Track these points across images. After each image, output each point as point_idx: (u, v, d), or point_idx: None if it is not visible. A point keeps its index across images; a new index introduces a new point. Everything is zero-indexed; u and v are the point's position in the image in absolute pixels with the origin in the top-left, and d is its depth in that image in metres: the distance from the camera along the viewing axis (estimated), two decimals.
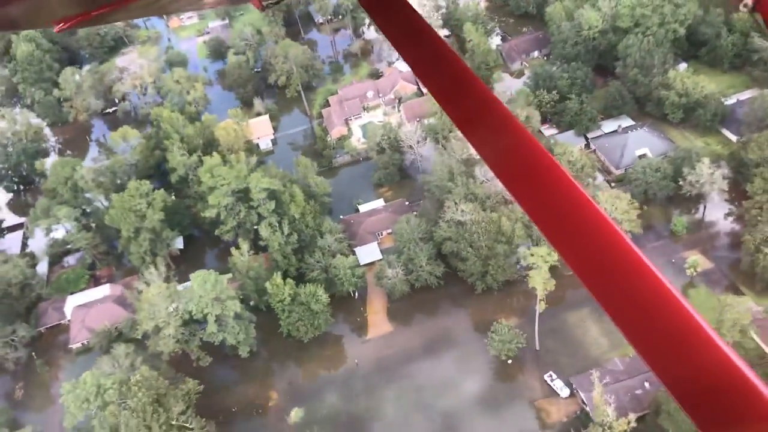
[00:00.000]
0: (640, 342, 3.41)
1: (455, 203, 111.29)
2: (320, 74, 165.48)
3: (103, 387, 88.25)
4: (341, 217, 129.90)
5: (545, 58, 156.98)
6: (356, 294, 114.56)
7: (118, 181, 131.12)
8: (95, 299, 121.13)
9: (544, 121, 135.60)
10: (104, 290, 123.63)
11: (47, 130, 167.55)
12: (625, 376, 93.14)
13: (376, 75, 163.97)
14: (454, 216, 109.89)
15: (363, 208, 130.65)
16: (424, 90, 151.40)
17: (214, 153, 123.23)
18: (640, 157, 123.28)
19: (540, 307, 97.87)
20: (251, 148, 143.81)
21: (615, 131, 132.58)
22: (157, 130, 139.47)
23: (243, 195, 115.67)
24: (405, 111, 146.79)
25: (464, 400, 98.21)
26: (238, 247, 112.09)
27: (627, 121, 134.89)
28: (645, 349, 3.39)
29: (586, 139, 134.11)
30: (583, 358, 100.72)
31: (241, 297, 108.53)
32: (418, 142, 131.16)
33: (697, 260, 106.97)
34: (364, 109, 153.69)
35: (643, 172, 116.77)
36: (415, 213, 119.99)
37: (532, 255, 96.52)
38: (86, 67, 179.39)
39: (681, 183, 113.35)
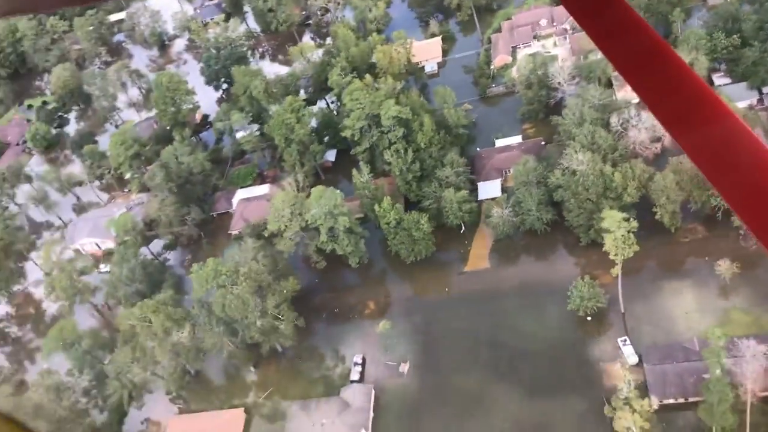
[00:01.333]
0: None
1: (575, 151, 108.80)
2: None
3: (219, 272, 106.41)
4: (478, 149, 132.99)
5: None
6: (463, 228, 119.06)
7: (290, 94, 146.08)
8: (257, 195, 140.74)
9: (714, 70, 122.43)
10: (265, 189, 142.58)
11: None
12: (697, 357, 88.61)
13: (558, 1, 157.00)
14: (570, 164, 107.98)
15: (500, 142, 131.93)
16: None
17: (366, 75, 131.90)
18: None
19: (614, 271, 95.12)
20: (413, 71, 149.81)
21: None
22: (332, 47, 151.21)
23: (378, 119, 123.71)
24: (572, 44, 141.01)
25: (532, 345, 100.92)
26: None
27: None
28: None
29: (760, 93, 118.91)
30: (666, 330, 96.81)
31: (362, 215, 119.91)
32: (566, 80, 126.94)
33: None
34: (535, 38, 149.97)
35: None
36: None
37: (603, 219, 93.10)
38: None
39: None
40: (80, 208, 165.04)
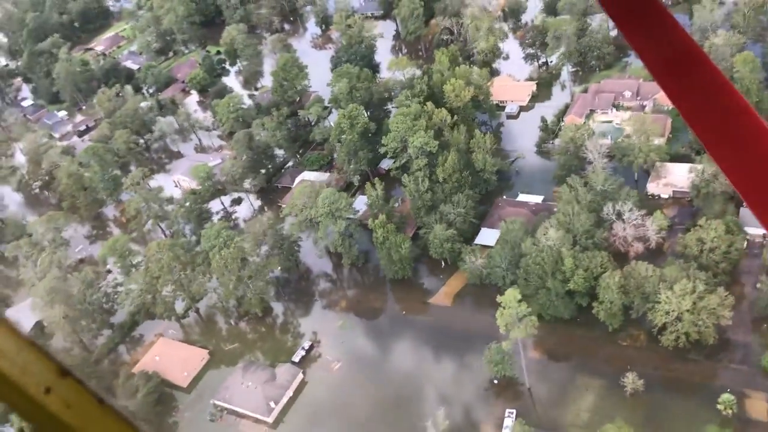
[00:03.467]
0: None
1: (550, 226, 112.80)
2: (605, 56, 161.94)
3: (220, 234, 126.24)
4: (504, 197, 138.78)
5: None
6: (443, 264, 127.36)
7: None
8: (315, 179, 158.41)
9: None
10: (325, 176, 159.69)
11: None
12: None
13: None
14: (542, 237, 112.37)
15: (522, 197, 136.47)
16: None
17: (428, 103, 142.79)
18: None
19: (506, 345, 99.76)
20: (488, 108, 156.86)
21: None
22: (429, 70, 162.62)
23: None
24: (635, 122, 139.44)
25: (440, 385, 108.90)
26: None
27: None
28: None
29: None
30: (552, 418, 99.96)
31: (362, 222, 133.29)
32: (599, 156, 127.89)
33: None
34: (614, 107, 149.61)
35: None
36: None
37: (501, 294, 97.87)
38: None
39: None
40: (200, 149, 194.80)
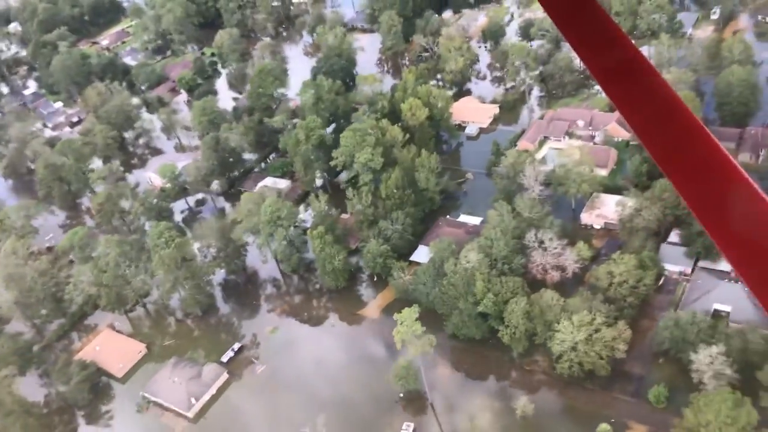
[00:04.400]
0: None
1: (471, 249, 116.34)
2: (566, 84, 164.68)
3: (164, 235, 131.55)
4: (447, 217, 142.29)
5: None
6: (375, 278, 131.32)
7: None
8: (274, 185, 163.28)
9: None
10: (285, 183, 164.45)
11: None
12: None
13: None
14: (460, 259, 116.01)
15: (463, 218, 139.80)
16: (629, 137, 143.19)
17: (383, 120, 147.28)
18: None
19: (405, 362, 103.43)
20: (448, 128, 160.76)
21: None
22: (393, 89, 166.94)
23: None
24: (583, 152, 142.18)
25: (348, 392, 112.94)
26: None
27: None
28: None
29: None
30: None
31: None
32: (535, 183, 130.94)
33: None
34: (567, 135, 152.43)
35: None
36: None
37: (399, 312, 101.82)
38: None
39: None
40: (180, 148, 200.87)
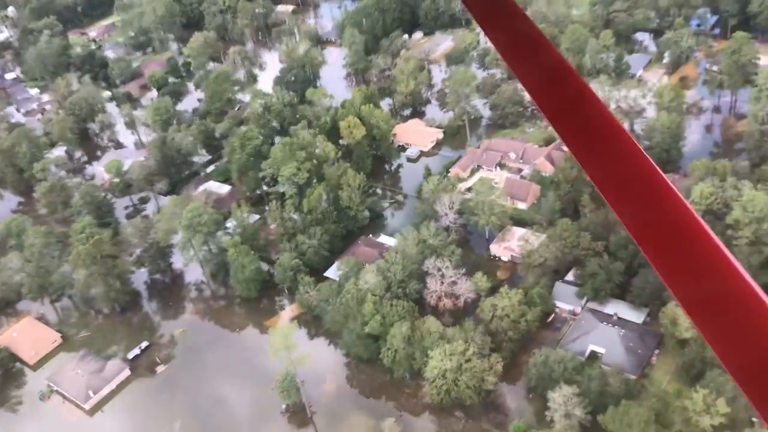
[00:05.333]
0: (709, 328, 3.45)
1: (370, 271, 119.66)
2: (508, 115, 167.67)
3: (86, 231, 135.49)
4: (369, 236, 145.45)
5: None
6: (287, 290, 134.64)
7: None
8: (215, 190, 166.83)
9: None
10: (226, 188, 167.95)
11: None
12: None
13: (549, 140, 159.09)
14: (360, 279, 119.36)
15: (382, 239, 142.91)
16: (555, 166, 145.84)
17: (301, 133, 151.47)
18: None
19: (280, 375, 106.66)
20: (386, 149, 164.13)
21: None
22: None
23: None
24: (506, 185, 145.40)
25: (230, 397, 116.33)
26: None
27: None
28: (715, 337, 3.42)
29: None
30: None
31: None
32: (449, 211, 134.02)
33: None
34: (499, 166, 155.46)
35: None
36: None
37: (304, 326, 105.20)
38: None
39: None
40: (140, 144, 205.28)
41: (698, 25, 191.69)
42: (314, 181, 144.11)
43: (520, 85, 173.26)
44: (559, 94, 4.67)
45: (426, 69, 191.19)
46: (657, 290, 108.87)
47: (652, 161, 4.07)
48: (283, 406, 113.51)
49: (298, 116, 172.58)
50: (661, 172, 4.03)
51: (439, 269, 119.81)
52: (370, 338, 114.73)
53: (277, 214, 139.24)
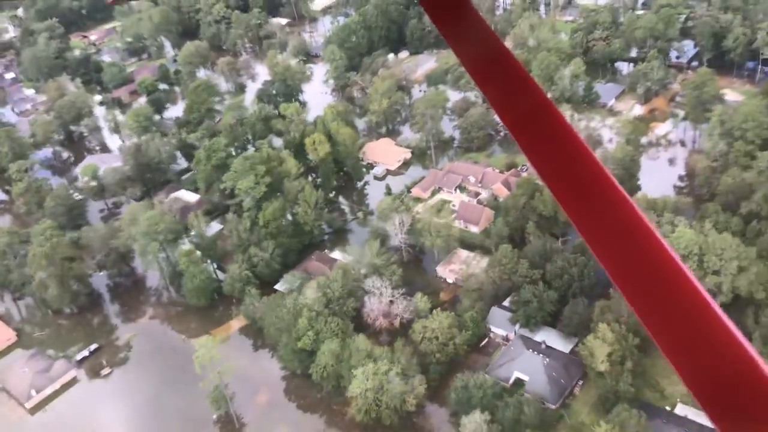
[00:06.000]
0: (664, 340, 3.50)
1: (309, 287, 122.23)
2: (473, 139, 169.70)
3: (45, 233, 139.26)
4: (325, 251, 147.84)
5: None
6: (234, 300, 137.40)
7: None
8: (185, 198, 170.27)
9: None
10: (196, 197, 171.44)
11: None
12: None
13: (511, 166, 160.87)
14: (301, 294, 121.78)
15: (335, 254, 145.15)
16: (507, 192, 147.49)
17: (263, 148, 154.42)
18: None
19: (203, 384, 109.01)
20: (353, 166, 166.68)
21: None
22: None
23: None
24: (460, 208, 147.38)
25: (163, 418, 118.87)
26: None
27: None
28: (669, 348, 3.46)
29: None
30: None
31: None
32: (399, 232, 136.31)
33: None
34: (459, 188, 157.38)
35: None
36: None
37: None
38: None
39: None
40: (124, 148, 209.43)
41: (677, 57, 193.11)
42: (278, 195, 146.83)
43: (486, 109, 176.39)
44: (524, 111, 4.76)
45: (405, 88, 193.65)
46: (585, 320, 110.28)
47: (607, 170, 4.21)
48: (215, 416, 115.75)
49: (273, 130, 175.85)
50: (614, 179, 4.15)
51: (378, 288, 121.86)
52: (305, 353, 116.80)
53: (233, 226, 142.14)
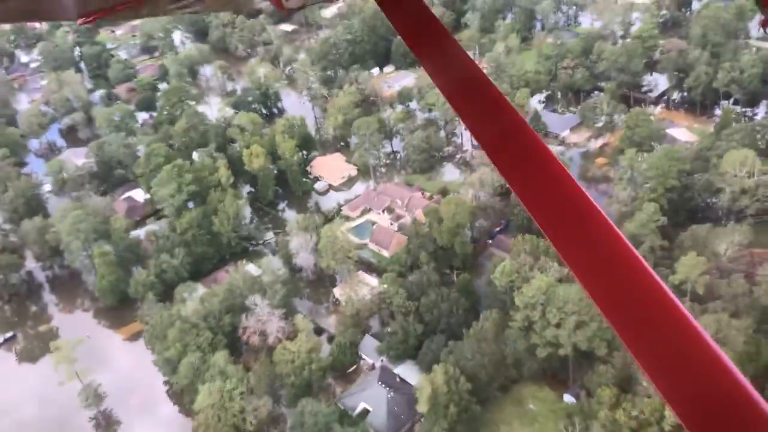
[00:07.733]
0: (645, 359, 3.52)
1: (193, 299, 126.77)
2: (414, 161, 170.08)
3: None
4: (243, 262, 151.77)
5: None
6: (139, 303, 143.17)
7: None
8: (136, 198, 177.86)
9: None
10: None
11: None
12: None
13: (444, 192, 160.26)
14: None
15: (249, 267, 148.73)
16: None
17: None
18: None
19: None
20: (297, 180, 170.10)
21: None
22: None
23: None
24: (375, 231, 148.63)
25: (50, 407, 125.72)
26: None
27: None
28: (651, 367, 3.47)
29: None
30: None
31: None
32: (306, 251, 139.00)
33: None
34: (387, 210, 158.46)
35: None
36: None
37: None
38: None
39: None
40: None
41: (648, 92, 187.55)
42: (204, 204, 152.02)
43: (434, 131, 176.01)
44: (500, 133, 4.81)
45: (375, 104, 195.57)
46: (437, 355, 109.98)
47: (584, 191, 4.29)
48: (90, 415, 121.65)
49: (227, 139, 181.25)
50: (591, 199, 4.23)
51: (257, 306, 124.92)
52: (175, 363, 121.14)
53: (153, 231, 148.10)
